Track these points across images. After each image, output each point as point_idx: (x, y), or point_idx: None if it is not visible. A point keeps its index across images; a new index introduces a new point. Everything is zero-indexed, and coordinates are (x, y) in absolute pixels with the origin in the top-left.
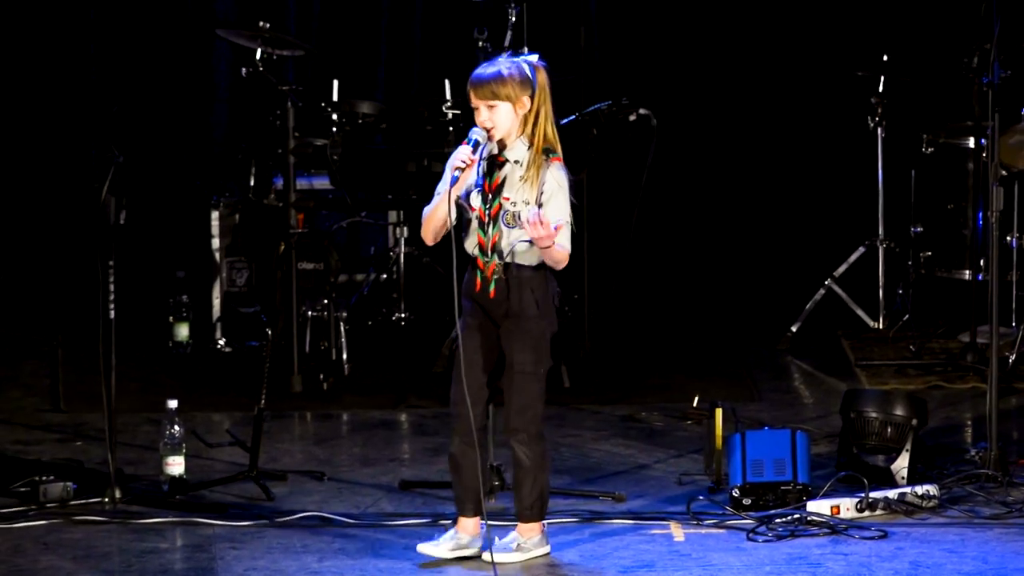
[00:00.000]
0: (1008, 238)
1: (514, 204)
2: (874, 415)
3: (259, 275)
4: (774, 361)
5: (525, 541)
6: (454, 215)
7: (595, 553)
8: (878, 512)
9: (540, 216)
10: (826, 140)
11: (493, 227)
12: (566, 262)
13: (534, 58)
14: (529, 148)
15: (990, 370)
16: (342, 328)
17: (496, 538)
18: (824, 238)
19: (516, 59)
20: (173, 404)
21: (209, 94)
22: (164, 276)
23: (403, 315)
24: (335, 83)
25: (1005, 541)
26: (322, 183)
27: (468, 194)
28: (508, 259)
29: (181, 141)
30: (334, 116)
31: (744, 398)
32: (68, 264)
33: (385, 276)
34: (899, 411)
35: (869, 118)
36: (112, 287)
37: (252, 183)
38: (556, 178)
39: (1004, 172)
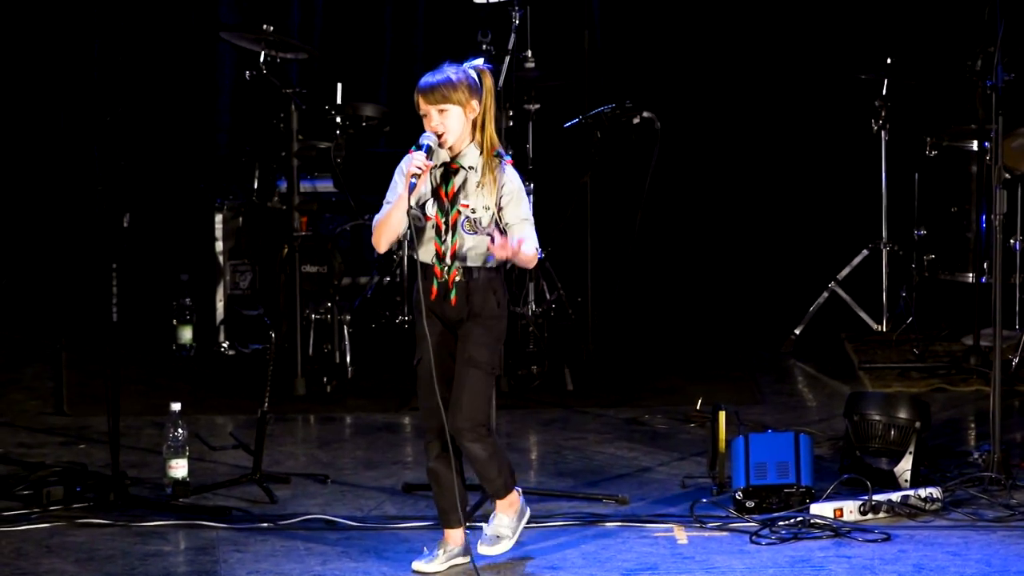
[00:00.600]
0: (1011, 241)
1: (473, 211)
2: (877, 418)
3: (263, 278)
4: (777, 364)
5: (506, 524)
6: (405, 225)
7: (598, 556)
8: (881, 515)
9: (502, 242)
10: (830, 143)
11: (452, 235)
12: (535, 260)
13: (479, 62)
14: (481, 153)
15: (993, 373)
16: (345, 331)
17: (484, 532)
18: (827, 241)
19: (462, 65)
20: (176, 407)
21: (213, 97)
22: (168, 279)
23: (406, 318)
24: (339, 86)
25: (1008, 544)
26: (326, 186)
27: (422, 204)
28: (469, 264)
29: (185, 144)
30: (338, 119)
31: (747, 401)
32: (71, 267)
33: (388, 279)
34: (902, 414)
35: (873, 121)
36: (115, 290)
37: (256, 186)
38: (513, 180)
39: (1007, 175)
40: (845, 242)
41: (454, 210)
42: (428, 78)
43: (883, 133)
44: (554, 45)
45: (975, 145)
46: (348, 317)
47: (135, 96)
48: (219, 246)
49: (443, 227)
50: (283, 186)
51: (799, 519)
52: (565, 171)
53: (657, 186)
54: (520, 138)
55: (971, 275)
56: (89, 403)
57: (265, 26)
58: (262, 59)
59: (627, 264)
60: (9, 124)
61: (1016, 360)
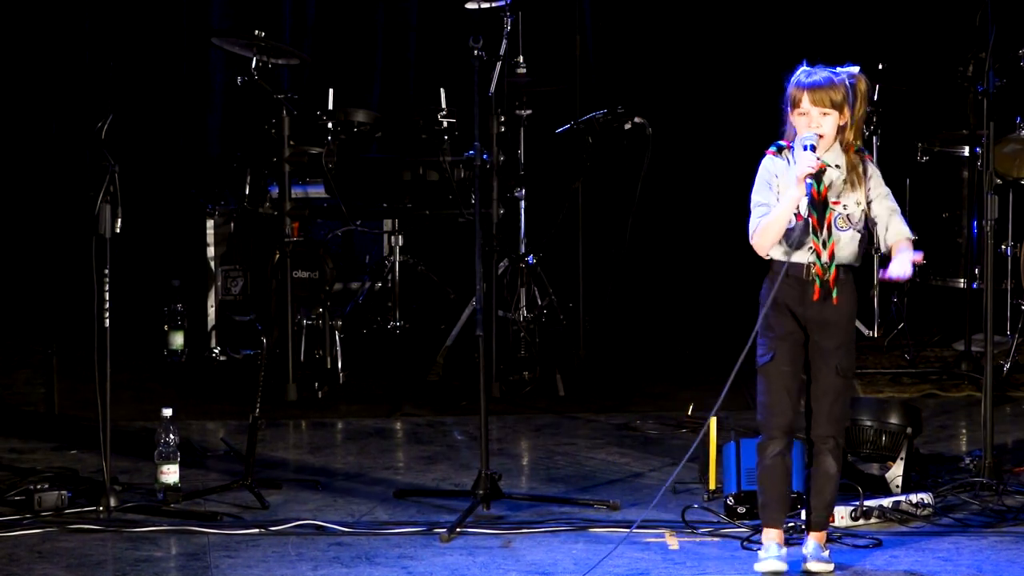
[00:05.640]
0: (1002, 246)
1: (845, 207)
2: (869, 423)
3: (254, 284)
4: None
5: (824, 548)
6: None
7: (589, 562)
8: (872, 520)
9: (902, 266)
10: None
11: (829, 235)
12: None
13: (855, 69)
14: (844, 151)
15: (985, 378)
16: (337, 336)
17: (811, 545)
18: None
19: (839, 72)
20: (168, 412)
21: (204, 102)
22: (159, 284)
23: (398, 323)
24: (330, 92)
25: (999, 549)
26: (317, 192)
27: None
28: (843, 261)
29: (176, 149)
30: (329, 125)
31: (739, 406)
32: (63, 272)
33: (380, 284)
34: (894, 419)
35: (864, 127)
36: (107, 295)
37: (247, 191)
38: (877, 173)
39: (999, 181)
40: None
41: (828, 209)
42: (813, 78)
43: (874, 139)
44: (546, 51)
45: (966, 151)
46: (340, 323)
47: (127, 101)
48: (211, 251)
49: (819, 227)
50: (274, 191)
51: (790, 524)
52: (557, 177)
53: (648, 192)
54: (512, 143)
55: (962, 281)
56: (81, 409)
57: (257, 32)
58: (254, 65)
59: (618, 270)
60: (0, 131)
61: (1007, 365)
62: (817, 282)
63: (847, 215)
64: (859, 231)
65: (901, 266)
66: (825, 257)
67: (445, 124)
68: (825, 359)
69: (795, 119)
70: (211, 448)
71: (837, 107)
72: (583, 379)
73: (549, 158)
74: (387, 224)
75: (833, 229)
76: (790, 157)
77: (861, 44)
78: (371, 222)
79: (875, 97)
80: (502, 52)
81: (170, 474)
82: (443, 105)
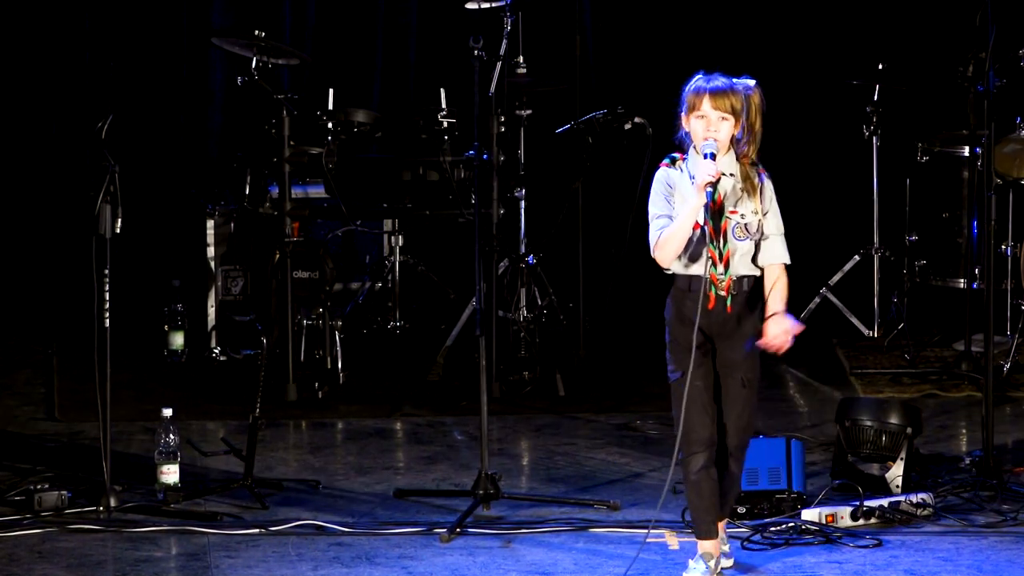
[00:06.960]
0: (1002, 247)
1: (743, 216)
2: (869, 423)
3: (254, 284)
4: (769, 369)
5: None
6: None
7: (589, 562)
8: (873, 521)
9: (783, 334)
10: (821, 149)
11: (724, 243)
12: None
13: (751, 83)
14: (738, 160)
15: (986, 379)
16: (337, 337)
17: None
18: (819, 247)
19: (736, 82)
20: (168, 413)
21: (204, 102)
22: (159, 285)
23: (398, 324)
24: (331, 92)
25: (1000, 549)
26: (317, 192)
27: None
28: (741, 272)
29: (176, 149)
30: (329, 125)
31: None
32: (63, 272)
33: (380, 285)
34: (894, 419)
35: (864, 127)
36: (107, 295)
37: (247, 192)
38: (771, 188)
39: (999, 181)
40: (837, 248)
41: (723, 217)
42: (715, 83)
43: (874, 139)
44: (546, 51)
45: (966, 151)
46: (340, 323)
47: (127, 101)
48: (211, 252)
49: (716, 235)
50: (275, 192)
51: (790, 525)
52: (557, 177)
53: (649, 192)
54: (512, 143)
55: (962, 281)
56: (80, 409)
57: (257, 32)
58: (254, 65)
59: (618, 270)
60: (0, 132)
61: (1007, 365)
62: (712, 290)
63: (744, 224)
64: (757, 242)
65: (779, 333)
66: (721, 267)
67: (445, 124)
68: (731, 370)
69: (692, 123)
70: (210, 449)
71: (735, 114)
72: (583, 379)
73: (549, 158)
74: (387, 224)
75: (730, 238)
76: (684, 167)
77: (861, 44)
78: (371, 222)
79: (875, 97)
80: (502, 52)
81: (170, 474)
82: (443, 105)
